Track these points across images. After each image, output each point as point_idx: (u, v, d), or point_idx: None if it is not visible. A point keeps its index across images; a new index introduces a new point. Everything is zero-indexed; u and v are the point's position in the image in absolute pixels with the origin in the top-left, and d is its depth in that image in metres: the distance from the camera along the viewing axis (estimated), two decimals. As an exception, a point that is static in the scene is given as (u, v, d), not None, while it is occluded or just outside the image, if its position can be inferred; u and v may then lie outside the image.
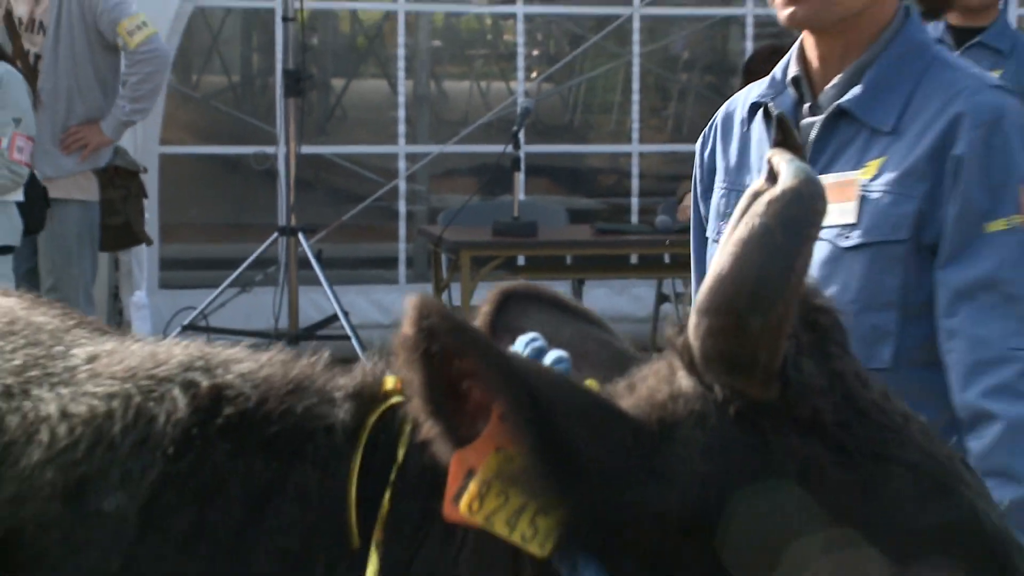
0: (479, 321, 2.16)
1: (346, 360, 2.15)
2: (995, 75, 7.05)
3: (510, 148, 10.63)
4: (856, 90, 3.45)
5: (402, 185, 11.78)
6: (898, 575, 1.70)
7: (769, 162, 1.98)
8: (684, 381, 1.80)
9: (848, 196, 3.42)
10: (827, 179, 3.32)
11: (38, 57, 8.51)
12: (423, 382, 1.68)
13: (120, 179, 8.86)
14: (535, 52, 14.13)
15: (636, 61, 12.30)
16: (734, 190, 3.60)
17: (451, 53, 16.34)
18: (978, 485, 1.80)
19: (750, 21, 12.32)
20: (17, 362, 2.17)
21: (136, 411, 2.02)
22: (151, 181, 10.62)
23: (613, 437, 1.74)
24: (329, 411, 2.00)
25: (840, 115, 3.48)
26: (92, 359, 2.16)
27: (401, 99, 12.36)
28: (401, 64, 12.51)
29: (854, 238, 3.38)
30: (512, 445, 1.69)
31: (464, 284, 10.43)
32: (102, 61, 8.60)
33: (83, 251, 8.65)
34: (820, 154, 3.47)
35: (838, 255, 3.41)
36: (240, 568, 1.95)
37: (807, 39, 3.57)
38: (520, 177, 10.48)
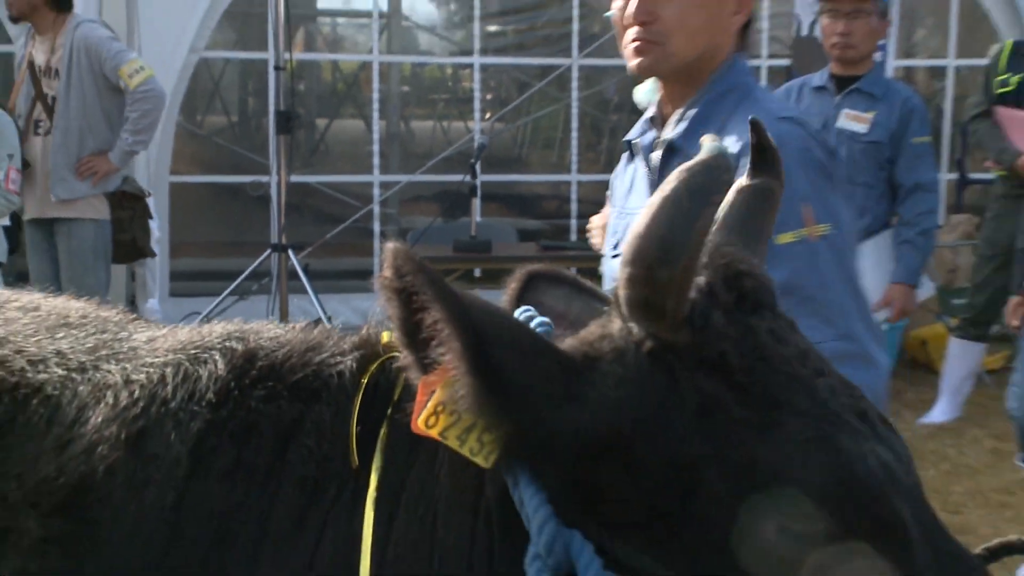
0: (506, 295, 2.18)
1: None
2: (870, 115, 7.19)
3: (468, 178, 10.63)
4: (681, 126, 3.46)
5: (376, 209, 11.76)
6: (767, 501, 1.69)
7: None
8: (614, 324, 1.83)
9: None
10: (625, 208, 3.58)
11: (55, 98, 8.51)
12: (395, 315, 1.75)
13: (127, 202, 8.86)
14: (489, 96, 14.11)
15: (575, 104, 12.32)
16: (624, 214, 3.63)
17: (417, 97, 16.31)
18: (874, 434, 1.76)
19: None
20: (90, 344, 2.21)
21: (184, 374, 2.07)
22: (162, 205, 10.60)
23: (541, 366, 1.76)
24: (339, 362, 2.04)
25: (671, 149, 3.49)
26: (150, 340, 2.21)
27: (375, 136, 12.32)
28: (375, 107, 12.45)
29: None
30: (457, 370, 1.72)
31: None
32: (108, 101, 8.59)
33: (97, 263, 8.65)
34: (659, 181, 3.41)
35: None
36: (270, 496, 1.97)
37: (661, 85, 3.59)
38: (476, 202, 10.47)
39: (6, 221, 8.08)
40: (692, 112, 3.47)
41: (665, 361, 1.76)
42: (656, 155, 3.56)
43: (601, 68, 12.98)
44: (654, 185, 3.48)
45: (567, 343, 1.85)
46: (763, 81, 12.65)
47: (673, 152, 3.48)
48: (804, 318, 1.96)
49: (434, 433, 1.82)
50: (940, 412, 9.65)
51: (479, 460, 1.80)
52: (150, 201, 9.52)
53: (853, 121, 7.32)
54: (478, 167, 10.55)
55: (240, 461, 1.99)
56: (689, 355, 1.76)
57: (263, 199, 10.84)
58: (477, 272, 10.89)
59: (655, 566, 1.75)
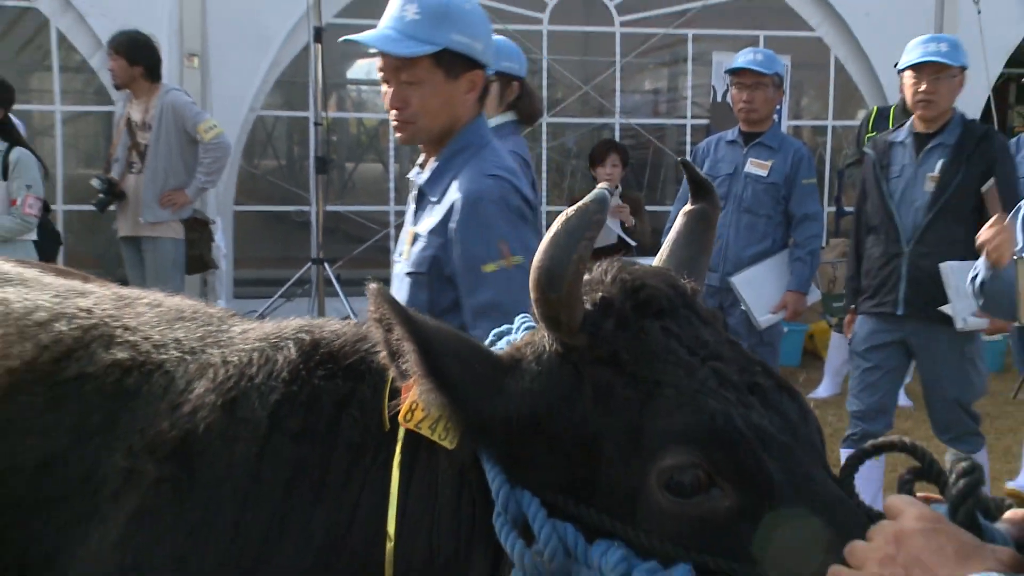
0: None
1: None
2: (769, 163, 7.21)
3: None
4: (426, 175, 3.64)
5: (392, 231, 11.75)
6: (649, 460, 1.71)
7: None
8: (539, 333, 1.88)
9: (410, 241, 3.64)
10: (408, 230, 3.72)
11: (146, 146, 8.67)
12: (378, 337, 1.85)
13: (197, 226, 8.99)
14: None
15: (544, 151, 12.30)
16: (405, 233, 3.79)
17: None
18: (758, 403, 1.76)
19: (617, 127, 12.36)
20: (199, 334, 2.24)
21: (266, 357, 2.10)
22: (228, 227, 10.59)
23: (475, 369, 1.83)
24: (379, 352, 2.03)
25: (421, 193, 3.67)
26: (243, 332, 2.24)
27: (391, 176, 12.33)
28: (391, 154, 12.51)
29: (406, 267, 3.58)
30: (416, 375, 1.80)
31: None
32: (187, 150, 8.71)
33: (175, 272, 8.77)
34: (415, 217, 3.66)
35: (401, 276, 3.61)
36: (327, 454, 1.99)
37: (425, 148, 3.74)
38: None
39: (33, 236, 8.18)
40: (434, 164, 3.62)
41: (570, 360, 1.81)
42: (413, 194, 3.77)
43: (563, 124, 12.99)
44: (413, 214, 3.72)
45: (504, 351, 1.92)
46: (687, 136, 12.68)
47: (423, 194, 3.68)
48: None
49: (411, 425, 1.90)
50: (824, 389, 9.77)
51: (445, 444, 1.87)
52: (216, 225, 9.57)
53: (757, 167, 7.30)
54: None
55: (306, 425, 2.01)
56: (586, 354, 1.80)
57: (305, 224, 10.84)
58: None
59: (589, 514, 1.76)
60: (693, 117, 12.88)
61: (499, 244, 3.45)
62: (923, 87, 6.01)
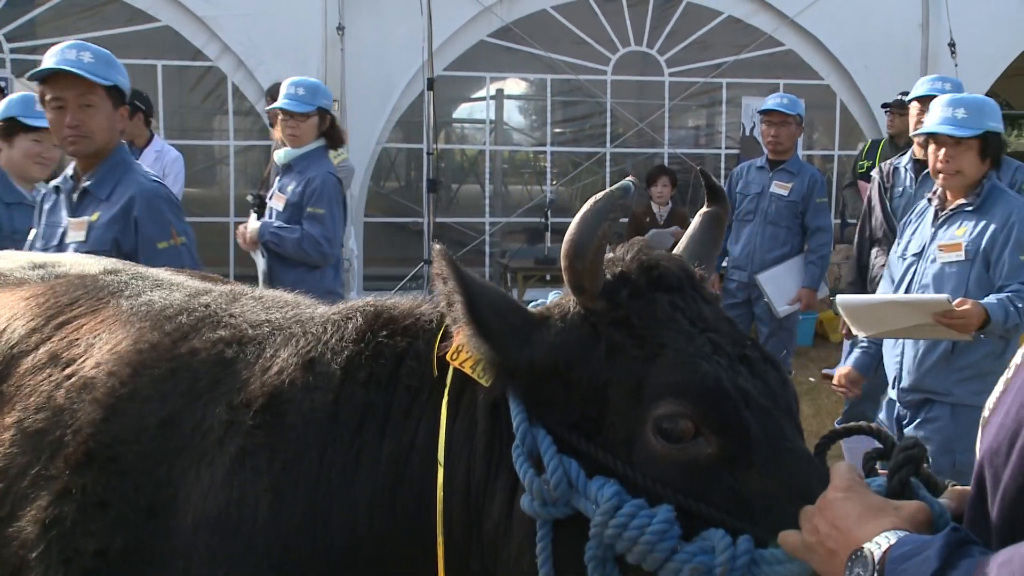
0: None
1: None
2: (790, 185, 7.10)
3: (543, 220, 10.67)
4: (92, 181, 3.85)
5: (487, 238, 11.77)
6: (647, 408, 1.67)
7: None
8: (566, 299, 1.84)
9: (83, 228, 3.80)
10: (77, 220, 3.83)
11: None
12: (439, 288, 1.79)
13: None
14: (555, 171, 14.07)
15: (608, 175, 12.25)
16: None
17: (512, 171, 16.32)
18: (745, 371, 1.70)
19: (666, 156, 12.26)
20: (289, 315, 2.22)
21: (338, 325, 2.07)
22: (359, 235, 10.63)
23: (511, 321, 1.78)
24: (431, 315, 2.04)
25: (84, 191, 3.84)
26: (323, 311, 2.21)
27: (487, 194, 12.34)
28: (487, 177, 12.49)
29: (83, 249, 3.63)
30: (460, 321, 1.76)
31: (520, 290, 10.39)
32: None
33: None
34: (76, 210, 3.85)
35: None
36: (389, 396, 1.96)
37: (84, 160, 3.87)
38: (548, 234, 10.48)
39: None
40: (96, 173, 3.82)
41: (589, 320, 1.77)
42: (75, 195, 3.87)
43: (623, 154, 12.90)
44: (69, 208, 3.86)
45: (538, 309, 1.88)
46: (722, 163, 12.54)
47: (87, 193, 3.83)
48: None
49: (457, 363, 1.86)
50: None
51: (483, 381, 1.82)
52: (350, 232, 9.60)
53: (780, 188, 7.23)
54: (549, 213, 10.53)
55: (372, 374, 1.98)
56: (604, 317, 1.76)
57: (419, 232, 10.85)
58: (548, 276, 10.78)
59: (593, 450, 1.71)
60: (727, 148, 12.78)
61: (170, 227, 3.75)
62: (924, 119, 5.75)
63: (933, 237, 4.59)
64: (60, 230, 3.90)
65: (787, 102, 7.33)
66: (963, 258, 4.48)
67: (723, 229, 2.13)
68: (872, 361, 4.97)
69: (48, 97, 3.74)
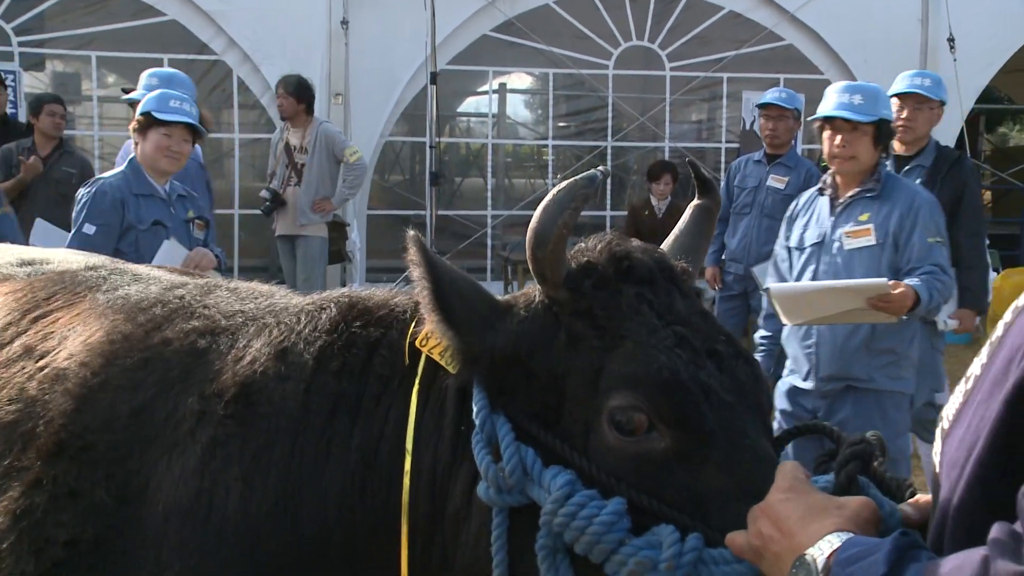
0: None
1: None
2: (786, 179, 7.06)
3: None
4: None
5: (489, 231, 11.73)
6: (603, 399, 1.64)
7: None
8: (532, 288, 1.82)
9: None
10: None
11: (303, 165, 8.61)
12: (413, 274, 1.76)
13: (336, 227, 9.01)
14: (558, 163, 14.04)
15: (610, 169, 12.20)
16: None
17: (515, 164, 16.30)
18: (712, 366, 1.66)
19: (667, 149, 12.19)
20: (264, 305, 2.19)
21: (310, 316, 2.06)
22: (362, 227, 10.61)
23: (476, 308, 1.76)
24: (405, 305, 2.02)
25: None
26: (298, 302, 2.19)
27: (489, 187, 12.29)
28: (489, 170, 12.44)
29: None
30: (426, 307, 1.75)
31: (520, 283, 10.32)
32: (333, 168, 8.67)
33: (319, 263, 8.77)
34: None
35: None
36: (361, 386, 1.94)
37: None
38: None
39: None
40: None
41: (552, 310, 1.75)
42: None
43: (625, 148, 12.88)
44: None
45: (505, 297, 1.85)
46: (723, 156, 12.49)
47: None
48: None
49: (426, 350, 1.85)
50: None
51: (451, 368, 1.81)
52: (353, 226, 9.61)
53: (776, 182, 7.17)
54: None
55: (344, 364, 1.97)
56: (566, 306, 1.73)
57: (422, 224, 10.78)
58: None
59: (550, 440, 1.69)
60: (727, 142, 12.78)
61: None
62: (904, 114, 5.65)
63: (834, 226, 4.56)
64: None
65: (785, 96, 7.29)
66: (873, 242, 4.46)
67: (713, 222, 2.09)
68: (772, 360, 4.96)
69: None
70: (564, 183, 1.73)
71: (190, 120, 5.02)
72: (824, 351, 4.54)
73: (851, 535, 1.25)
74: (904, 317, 4.35)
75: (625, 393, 1.62)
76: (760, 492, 1.45)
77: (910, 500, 1.50)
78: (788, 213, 4.90)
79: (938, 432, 1.32)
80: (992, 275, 6.52)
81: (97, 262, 2.74)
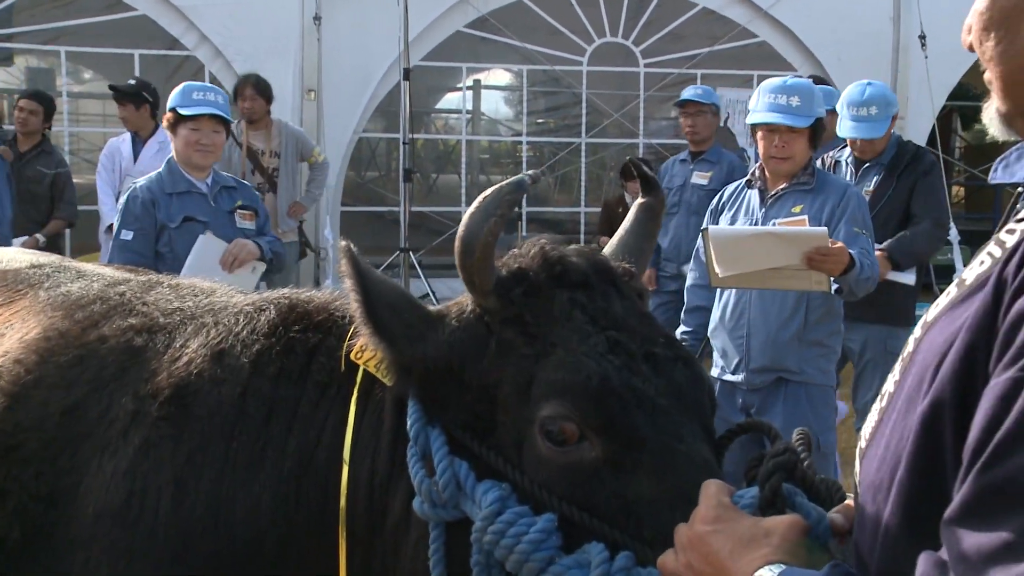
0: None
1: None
2: (709, 174, 7.07)
3: (518, 209, 10.54)
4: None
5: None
6: (534, 409, 1.60)
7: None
8: (465, 297, 1.79)
9: None
10: None
11: (275, 170, 8.14)
12: (346, 286, 1.73)
13: (301, 228, 8.77)
14: (533, 159, 13.97)
15: (583, 165, 12.17)
16: None
17: (490, 161, 16.24)
18: (648, 371, 1.61)
19: (641, 146, 12.15)
20: (203, 304, 2.18)
21: (249, 317, 2.04)
22: (336, 223, 10.53)
23: (405, 319, 1.73)
24: (345, 310, 1.99)
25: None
26: (238, 301, 2.17)
27: (464, 183, 12.24)
28: (464, 167, 12.37)
29: None
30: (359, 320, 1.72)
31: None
32: (298, 170, 8.39)
33: (294, 264, 8.49)
34: None
35: None
36: (299, 392, 1.92)
37: None
38: (523, 223, 10.37)
39: None
40: None
41: (483, 318, 1.72)
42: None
43: (600, 144, 12.83)
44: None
45: (438, 307, 1.81)
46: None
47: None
48: None
49: (362, 362, 1.82)
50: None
51: (386, 380, 1.78)
52: (326, 222, 9.48)
53: (700, 178, 7.12)
54: (524, 203, 10.41)
55: (282, 369, 1.95)
56: (496, 314, 1.70)
57: (396, 220, 10.69)
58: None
59: (484, 452, 1.65)
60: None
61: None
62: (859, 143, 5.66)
63: (765, 217, 4.54)
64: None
65: (702, 92, 7.25)
66: None
67: (658, 220, 2.06)
68: (695, 351, 4.88)
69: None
70: (490, 189, 1.70)
71: (214, 110, 4.97)
72: (756, 342, 4.49)
73: (784, 567, 1.20)
74: (835, 287, 4.30)
75: (555, 402, 1.58)
76: (694, 498, 1.40)
77: (839, 505, 1.45)
78: (712, 205, 4.87)
79: (857, 451, 1.29)
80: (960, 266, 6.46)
81: (42, 260, 2.71)
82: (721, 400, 4.49)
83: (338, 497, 1.81)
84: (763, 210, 4.57)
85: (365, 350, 1.79)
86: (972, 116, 21.77)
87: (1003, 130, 1.21)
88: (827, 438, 4.48)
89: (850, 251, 4.19)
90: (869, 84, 5.79)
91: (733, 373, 4.60)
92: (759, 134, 4.53)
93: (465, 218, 1.69)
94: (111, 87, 8.22)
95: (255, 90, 7.99)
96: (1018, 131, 1.22)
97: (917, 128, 10.95)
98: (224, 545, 1.86)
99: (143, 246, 4.80)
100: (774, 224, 4.47)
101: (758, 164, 4.66)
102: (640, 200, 2.03)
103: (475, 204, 1.70)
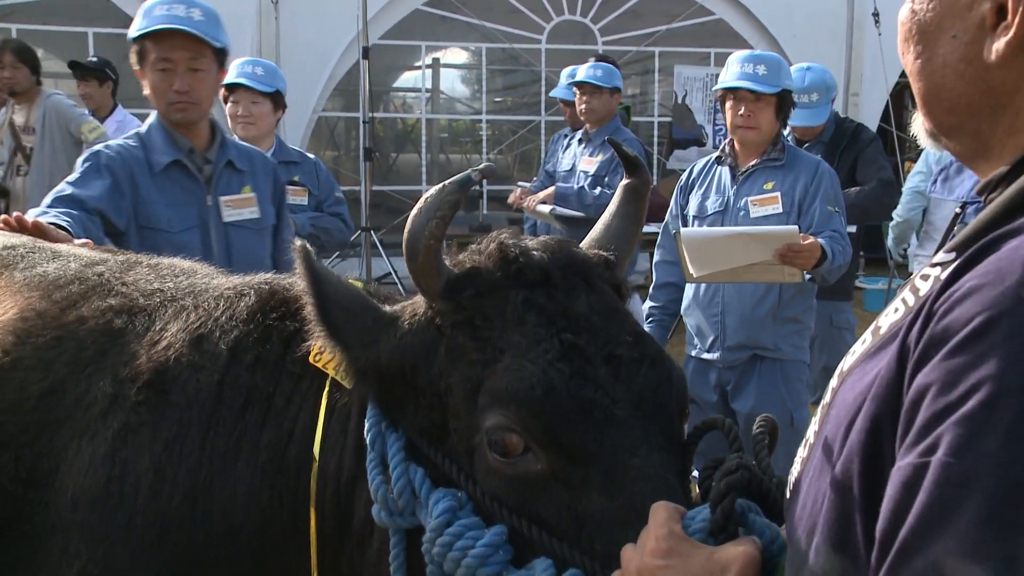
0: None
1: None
2: (596, 159, 6.63)
3: (478, 187, 10.52)
4: (226, 151, 3.50)
5: (425, 206, 11.62)
6: (481, 418, 1.52)
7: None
8: (419, 297, 1.71)
9: (246, 204, 3.49)
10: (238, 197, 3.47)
11: (31, 148, 7.25)
12: (302, 287, 1.68)
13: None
14: (493, 138, 13.93)
15: (542, 144, 12.15)
16: None
17: (450, 140, 16.17)
18: (607, 377, 1.51)
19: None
20: (184, 286, 2.13)
21: (229, 302, 1.99)
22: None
23: (360, 322, 1.66)
24: None
25: (228, 163, 3.47)
26: (219, 284, 2.12)
27: (424, 163, 12.16)
28: (424, 146, 12.31)
29: (259, 223, 3.57)
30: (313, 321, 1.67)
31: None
32: (70, 149, 7.09)
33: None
34: (227, 185, 3.48)
35: (247, 229, 3.51)
36: (275, 382, 1.87)
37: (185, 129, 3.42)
38: (483, 201, 10.34)
39: None
40: (223, 145, 3.49)
41: (435, 321, 1.63)
42: (209, 170, 3.44)
43: (559, 122, 12.81)
44: (207, 186, 3.42)
45: (394, 308, 1.72)
46: (655, 130, 12.51)
47: (230, 164, 3.49)
48: None
49: (320, 365, 1.76)
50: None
51: (345, 382, 1.72)
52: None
53: (587, 164, 6.77)
54: (485, 181, 10.36)
55: (258, 357, 1.90)
56: (447, 317, 1.61)
57: (356, 199, 10.63)
58: (484, 244, 10.71)
59: (439, 459, 1.59)
60: (660, 116, 12.78)
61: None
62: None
63: (737, 194, 4.53)
64: (207, 209, 3.43)
65: (600, 73, 6.73)
66: (780, 210, 4.44)
67: (644, 202, 1.94)
68: (665, 332, 4.90)
69: (153, 57, 3.27)
70: (435, 188, 1.63)
71: (246, 81, 4.98)
72: (731, 319, 4.50)
73: None
74: (808, 276, 4.34)
75: (498, 412, 1.50)
76: (645, 514, 1.34)
77: None
78: (681, 182, 4.82)
79: (787, 493, 1.24)
80: (913, 242, 6.50)
81: (15, 241, 2.64)
82: (695, 379, 4.57)
83: (308, 494, 1.78)
84: (734, 187, 4.55)
85: (324, 352, 1.72)
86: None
87: (931, 144, 1.18)
88: (800, 414, 4.49)
89: (821, 241, 4.20)
90: (808, 69, 5.76)
91: (708, 351, 4.59)
92: (728, 104, 4.50)
93: (409, 219, 1.62)
94: (72, 64, 8.05)
95: (15, 57, 7.17)
96: (944, 147, 1.17)
97: (871, 104, 11.07)
98: (200, 536, 1.83)
99: None
100: (746, 201, 4.48)
101: (727, 140, 4.65)
102: (624, 182, 1.94)
103: (418, 204, 1.62)
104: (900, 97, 12.49)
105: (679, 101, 11.76)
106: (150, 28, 3.24)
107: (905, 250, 6.64)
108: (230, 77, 5.00)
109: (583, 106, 6.79)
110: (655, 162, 12.33)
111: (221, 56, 3.37)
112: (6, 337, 2.06)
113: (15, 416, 1.96)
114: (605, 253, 1.75)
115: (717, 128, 11.51)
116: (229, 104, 5.09)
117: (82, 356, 2.00)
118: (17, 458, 1.92)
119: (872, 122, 10.44)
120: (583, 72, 6.81)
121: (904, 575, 0.90)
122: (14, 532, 1.90)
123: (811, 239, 4.19)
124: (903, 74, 8.59)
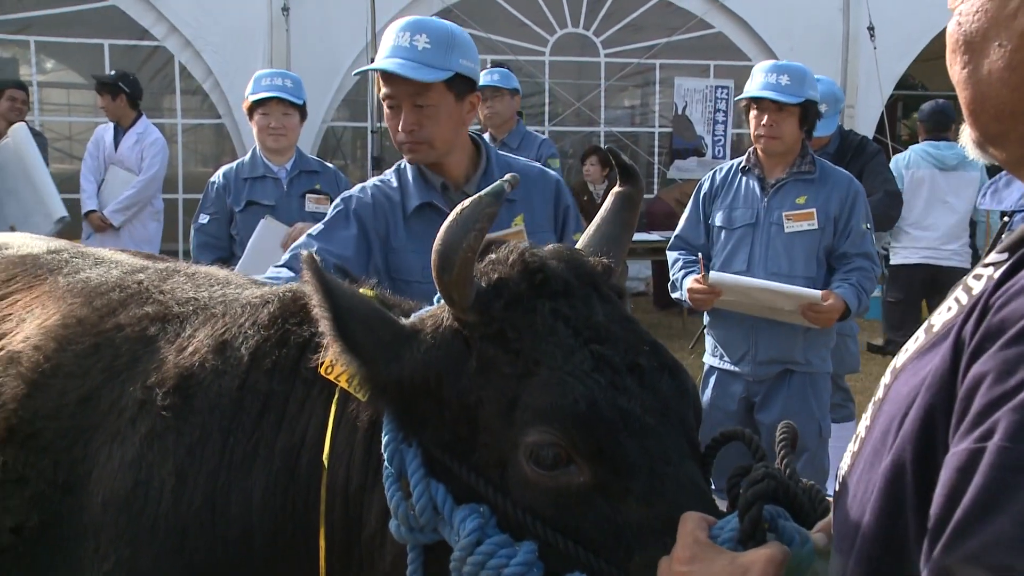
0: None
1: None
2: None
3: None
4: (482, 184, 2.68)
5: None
6: (518, 433, 1.50)
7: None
8: (440, 309, 1.67)
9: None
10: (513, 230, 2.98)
11: None
12: (313, 299, 1.64)
13: None
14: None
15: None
16: None
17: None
18: (634, 386, 1.51)
19: (602, 134, 12.25)
20: (217, 294, 2.14)
21: (254, 309, 1.99)
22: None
23: (379, 336, 1.61)
24: None
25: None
26: (249, 293, 2.12)
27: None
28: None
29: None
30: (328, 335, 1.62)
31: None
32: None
33: None
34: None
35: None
36: (290, 387, 1.87)
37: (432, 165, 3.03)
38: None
39: None
40: (482, 178, 3.02)
41: (462, 334, 1.60)
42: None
43: (561, 132, 12.91)
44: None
45: (411, 319, 1.69)
46: (656, 140, 12.60)
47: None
48: None
49: (332, 377, 1.74)
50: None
51: (359, 395, 1.68)
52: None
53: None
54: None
55: (276, 363, 1.90)
56: (476, 330, 1.57)
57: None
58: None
59: (465, 473, 1.56)
60: (660, 126, 12.82)
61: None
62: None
63: (769, 207, 4.48)
64: None
65: (498, 77, 6.76)
66: (816, 226, 4.41)
67: (636, 210, 1.95)
68: (696, 264, 4.63)
69: (382, 93, 2.95)
70: (468, 200, 1.57)
71: (278, 94, 5.02)
72: (763, 334, 4.47)
73: None
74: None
75: (541, 428, 1.48)
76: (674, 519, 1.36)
77: (822, 522, 1.41)
78: (704, 191, 4.69)
79: (833, 492, 1.26)
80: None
81: (59, 246, 2.67)
82: (717, 390, 4.54)
83: (319, 501, 1.77)
84: (765, 200, 4.48)
85: (336, 364, 1.66)
86: (915, 106, 22.15)
87: (978, 154, 1.17)
88: (827, 424, 4.52)
89: (844, 294, 4.25)
90: (818, 81, 5.85)
91: (737, 364, 4.54)
92: (752, 113, 4.46)
93: (442, 231, 1.55)
94: (94, 77, 8.24)
95: None
96: (992, 157, 1.16)
97: (866, 116, 11.15)
98: (216, 542, 1.84)
99: (217, 229, 5.05)
100: (780, 215, 4.44)
101: (751, 148, 4.59)
102: (617, 189, 1.94)
103: (452, 216, 1.56)
104: (892, 109, 12.60)
105: (679, 112, 11.84)
106: (375, 67, 2.97)
107: (885, 247, 6.74)
108: (258, 92, 5.04)
109: (487, 111, 6.63)
110: (656, 171, 12.43)
111: (459, 82, 2.94)
112: (48, 343, 2.09)
113: (54, 423, 1.98)
114: (606, 260, 1.73)
115: (716, 139, 11.62)
116: (257, 116, 5.09)
117: (117, 363, 2.02)
118: (56, 464, 1.95)
119: (867, 133, 10.52)
120: (481, 79, 6.75)
121: (958, 556, 0.90)
122: (51, 535, 1.93)
123: (833, 299, 4.25)
124: (897, 86, 8.75)
